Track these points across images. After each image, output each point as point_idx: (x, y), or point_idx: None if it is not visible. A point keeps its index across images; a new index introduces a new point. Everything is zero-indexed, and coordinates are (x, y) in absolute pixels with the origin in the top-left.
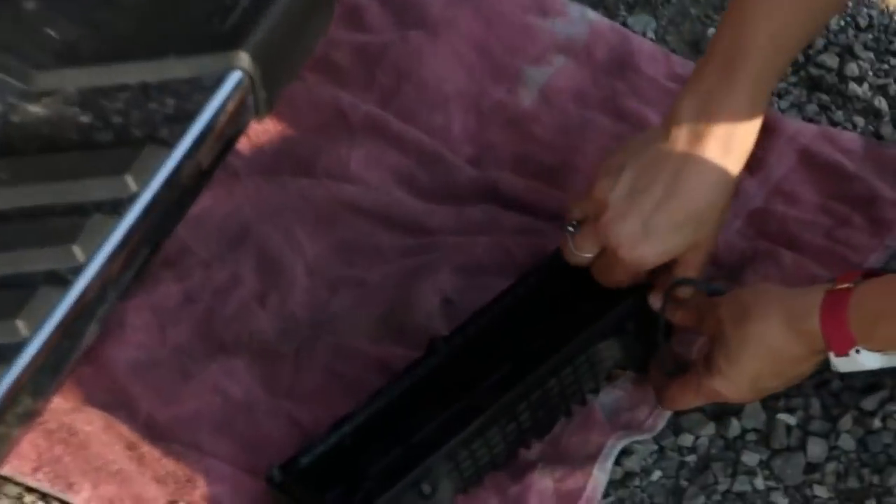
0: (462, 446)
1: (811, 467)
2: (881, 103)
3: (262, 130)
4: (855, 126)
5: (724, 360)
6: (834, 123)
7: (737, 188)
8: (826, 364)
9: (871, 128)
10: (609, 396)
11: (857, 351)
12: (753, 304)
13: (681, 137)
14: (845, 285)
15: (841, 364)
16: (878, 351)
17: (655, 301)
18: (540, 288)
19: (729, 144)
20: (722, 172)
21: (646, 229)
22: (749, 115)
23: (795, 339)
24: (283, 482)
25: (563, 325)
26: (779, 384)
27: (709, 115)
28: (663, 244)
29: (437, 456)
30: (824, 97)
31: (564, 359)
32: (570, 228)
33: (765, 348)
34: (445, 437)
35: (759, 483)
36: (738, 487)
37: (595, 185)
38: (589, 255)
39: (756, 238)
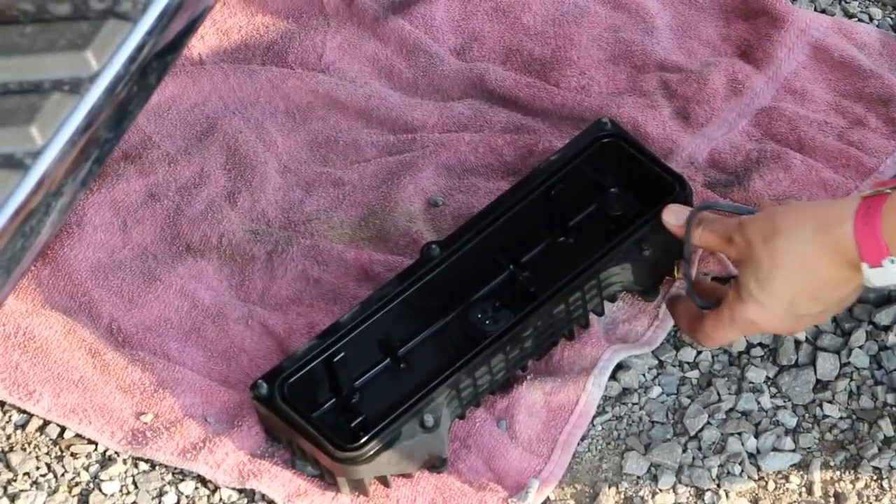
0: (467, 374)
1: (821, 385)
2: None
3: (230, 13)
4: (871, 18)
5: (755, 283)
6: (849, 15)
7: None
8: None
9: (889, 20)
10: (606, 307)
11: (893, 261)
12: (782, 217)
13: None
14: (882, 190)
15: (875, 277)
16: None
17: (670, 218)
18: (541, 192)
19: None
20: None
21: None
22: None
23: (827, 250)
24: (270, 396)
25: (572, 245)
26: (818, 310)
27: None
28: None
29: (440, 385)
30: None
31: (575, 286)
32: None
33: (796, 263)
34: (448, 363)
35: (766, 401)
36: (742, 406)
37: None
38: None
39: (763, 139)
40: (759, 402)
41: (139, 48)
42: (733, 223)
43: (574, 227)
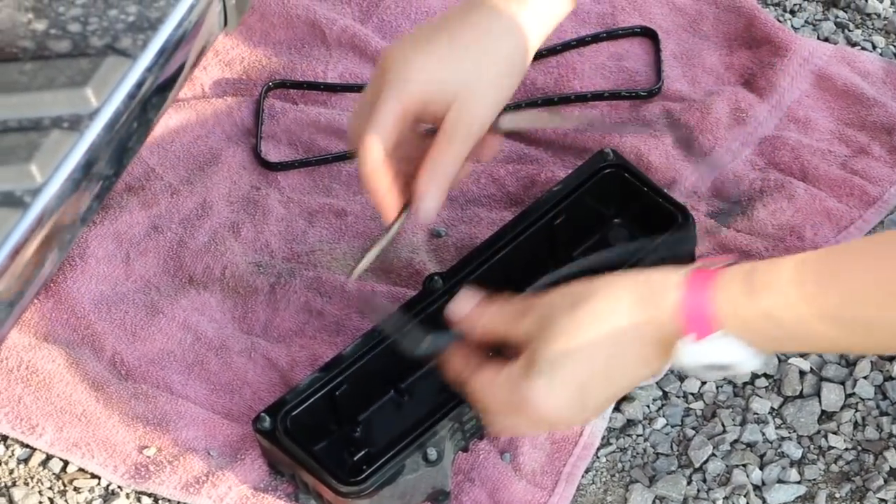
0: (470, 407)
1: (826, 416)
2: None
3: (232, 45)
4: (874, 46)
5: (549, 361)
6: (852, 43)
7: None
8: None
9: (891, 48)
10: None
11: (718, 336)
12: (602, 284)
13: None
14: (712, 263)
15: (691, 353)
16: (738, 340)
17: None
18: (544, 224)
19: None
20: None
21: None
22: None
23: (645, 319)
24: (273, 430)
25: (575, 275)
26: (608, 395)
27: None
28: None
29: (443, 418)
30: (841, 14)
31: None
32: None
33: (606, 331)
34: (452, 396)
35: (771, 432)
36: (747, 437)
37: None
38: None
39: (767, 168)
40: (763, 434)
41: (139, 84)
42: (520, 301)
43: (577, 258)
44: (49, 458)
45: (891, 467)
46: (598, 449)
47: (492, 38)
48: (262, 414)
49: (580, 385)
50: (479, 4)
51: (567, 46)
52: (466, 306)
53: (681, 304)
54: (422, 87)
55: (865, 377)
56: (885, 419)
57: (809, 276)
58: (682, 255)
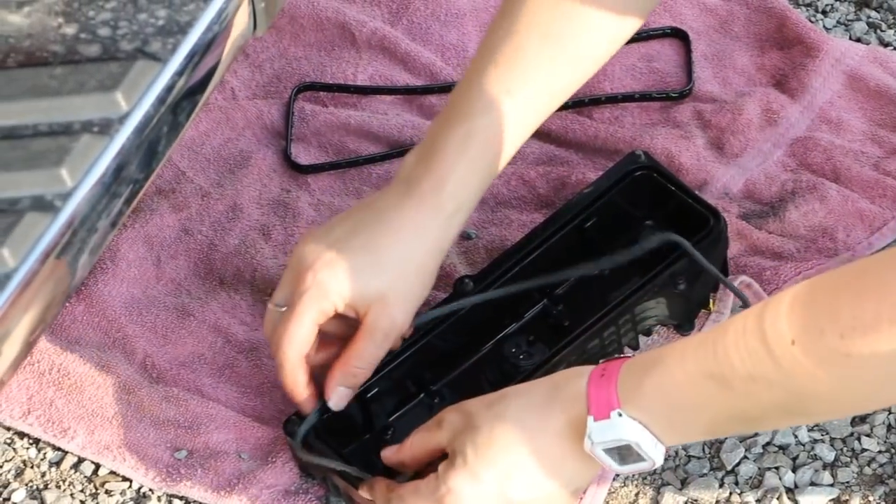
0: None
1: (859, 418)
2: None
3: (262, 48)
4: None
5: (472, 449)
6: (884, 43)
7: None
8: None
9: None
10: (641, 341)
11: (620, 414)
12: (512, 388)
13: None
14: (621, 355)
15: (598, 431)
16: (640, 420)
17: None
18: (575, 226)
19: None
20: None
21: None
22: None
23: (556, 407)
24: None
25: (606, 278)
26: (532, 497)
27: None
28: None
29: None
30: (874, 14)
31: (610, 321)
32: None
33: (521, 424)
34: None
35: (803, 435)
36: (780, 440)
37: None
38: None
39: (798, 169)
40: (796, 436)
41: (169, 88)
42: (440, 414)
43: (605, 261)
44: (81, 461)
45: None
46: None
47: (406, 248)
48: (293, 417)
49: (504, 474)
50: (393, 204)
51: None
52: (393, 448)
53: (584, 388)
54: (339, 298)
55: None
56: None
57: (692, 340)
58: (714, 258)
